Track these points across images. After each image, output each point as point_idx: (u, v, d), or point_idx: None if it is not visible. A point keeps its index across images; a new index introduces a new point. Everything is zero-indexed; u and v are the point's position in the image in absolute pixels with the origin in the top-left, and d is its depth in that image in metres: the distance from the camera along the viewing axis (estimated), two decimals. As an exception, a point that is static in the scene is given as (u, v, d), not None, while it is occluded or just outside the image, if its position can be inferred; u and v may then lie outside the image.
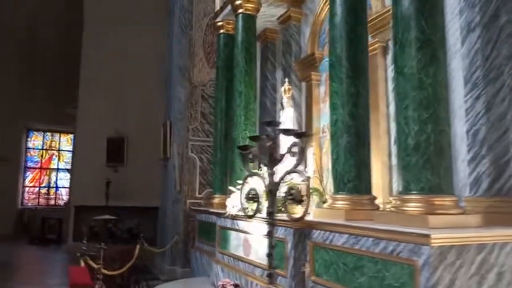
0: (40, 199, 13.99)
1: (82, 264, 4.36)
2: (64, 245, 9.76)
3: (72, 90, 10.43)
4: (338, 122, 2.97)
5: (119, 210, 8.41)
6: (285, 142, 3.02)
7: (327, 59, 3.74)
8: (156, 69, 9.06)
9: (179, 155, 6.82)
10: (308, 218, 2.72)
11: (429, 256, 1.93)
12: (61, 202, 13.99)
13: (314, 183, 3.86)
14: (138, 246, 5.09)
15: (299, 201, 2.13)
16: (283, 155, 2.19)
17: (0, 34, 11.93)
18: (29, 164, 14.08)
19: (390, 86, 3.45)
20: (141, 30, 9.47)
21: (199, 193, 6.76)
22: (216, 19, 5.69)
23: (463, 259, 2.00)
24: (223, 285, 3.65)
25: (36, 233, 10.86)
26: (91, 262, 4.33)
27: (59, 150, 14.60)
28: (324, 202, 3.24)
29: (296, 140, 2.16)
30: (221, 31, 5.57)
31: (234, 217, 3.95)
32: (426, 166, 2.28)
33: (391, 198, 3.11)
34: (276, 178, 2.27)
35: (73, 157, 12.16)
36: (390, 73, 3.43)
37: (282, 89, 4.34)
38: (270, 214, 2.23)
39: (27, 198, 13.81)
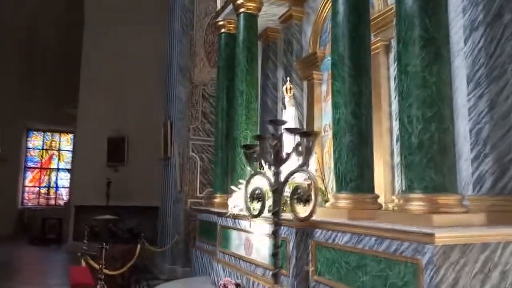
0: (40, 199, 13.99)
1: (83, 264, 4.34)
2: (64, 245, 9.75)
3: (72, 90, 10.42)
4: (340, 121, 2.96)
5: (119, 209, 8.38)
6: (287, 141, 3.00)
7: (329, 58, 3.74)
8: (156, 69, 9.05)
9: (180, 155, 6.81)
10: (303, 216, 2.71)
11: (433, 255, 1.92)
12: (61, 202, 13.98)
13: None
14: (139, 246, 5.08)
15: (305, 201, 2.11)
16: (289, 154, 2.18)
17: (0, 34, 11.92)
18: (29, 164, 14.07)
19: (393, 84, 3.44)
20: (141, 30, 9.46)
21: (200, 193, 6.75)
22: (217, 18, 5.68)
23: (467, 257, 1.99)
24: (224, 284, 3.64)
25: (36, 233, 10.84)
26: (92, 262, 4.32)
27: (59, 150, 14.60)
28: (326, 201, 3.23)
29: (302, 139, 2.15)
30: (222, 30, 5.57)
31: (235, 217, 3.94)
32: (429, 165, 2.27)
33: (394, 197, 3.10)
34: (281, 178, 2.25)
35: (73, 157, 12.16)
36: (393, 72, 3.42)
37: (284, 88, 4.34)
38: (276, 213, 2.22)
39: (27, 198, 13.80)
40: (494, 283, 2.05)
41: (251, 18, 4.97)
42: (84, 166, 9.68)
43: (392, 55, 3.50)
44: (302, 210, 2.22)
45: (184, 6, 7.20)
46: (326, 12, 4.56)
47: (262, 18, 5.18)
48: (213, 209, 5.09)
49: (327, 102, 4.39)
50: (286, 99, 4.23)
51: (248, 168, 4.34)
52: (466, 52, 2.79)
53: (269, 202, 2.50)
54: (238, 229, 3.96)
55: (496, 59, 2.62)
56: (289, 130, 2.36)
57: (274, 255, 2.22)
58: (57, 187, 14.39)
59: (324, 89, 4.59)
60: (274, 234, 2.24)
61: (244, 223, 3.81)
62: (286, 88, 4.27)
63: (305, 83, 4.90)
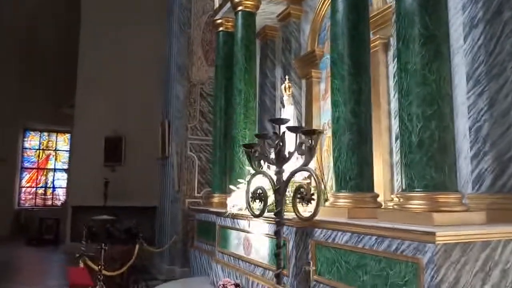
0: (37, 200, 13.91)
1: (81, 265, 4.31)
2: (62, 246, 9.71)
3: (72, 90, 10.37)
4: (340, 119, 2.95)
5: (116, 210, 8.34)
6: (287, 140, 2.98)
7: (328, 56, 3.72)
8: (154, 68, 9.01)
9: (178, 154, 6.78)
10: (306, 216, 2.69)
11: (434, 254, 1.91)
12: (58, 203, 13.92)
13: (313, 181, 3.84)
14: (137, 246, 5.05)
15: (308, 200, 2.09)
16: (292, 153, 2.15)
17: (0, 34, 11.84)
18: (26, 164, 13.99)
19: (392, 83, 3.43)
20: (140, 30, 9.42)
21: (198, 192, 6.73)
22: (215, 16, 5.65)
23: (468, 256, 1.98)
24: (223, 284, 3.62)
25: (33, 234, 10.78)
26: (90, 263, 4.29)
27: (56, 150, 14.52)
28: (326, 200, 3.21)
29: (305, 138, 2.12)
30: (220, 28, 5.54)
31: (234, 216, 3.92)
32: (430, 163, 2.26)
33: (393, 196, 3.10)
34: (283, 177, 2.23)
35: (70, 157, 12.10)
36: (392, 70, 3.41)
37: (283, 87, 4.31)
38: (278, 213, 2.19)
39: (24, 198, 13.72)
40: (495, 282, 2.04)
41: (249, 16, 4.94)
42: (81, 166, 9.63)
43: (391, 53, 3.48)
44: (304, 210, 2.20)
45: (181, 4, 7.16)
46: (324, 10, 4.55)
47: (260, 16, 5.16)
48: (211, 209, 5.07)
49: (326, 101, 4.38)
50: (285, 98, 4.22)
51: (247, 168, 4.32)
52: (466, 50, 2.79)
53: (269, 202, 2.48)
54: (237, 229, 3.94)
55: (496, 56, 2.62)
56: (292, 129, 2.33)
57: (276, 255, 2.20)
58: (54, 187, 14.32)
59: (322, 88, 4.57)
60: (277, 234, 2.22)
61: (243, 223, 3.79)
62: (285, 87, 4.25)
63: (303, 82, 4.88)
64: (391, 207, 2.72)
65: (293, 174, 2.17)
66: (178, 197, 6.68)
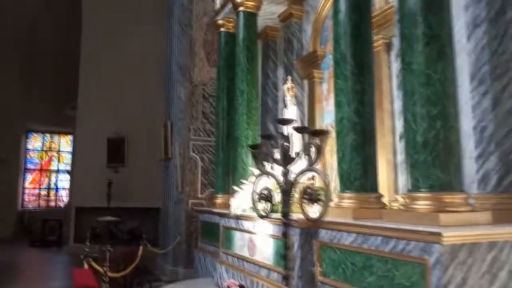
0: (40, 201, 13.95)
1: (86, 266, 4.32)
2: (65, 247, 9.73)
3: (72, 91, 10.39)
4: (343, 120, 2.94)
5: (120, 211, 8.39)
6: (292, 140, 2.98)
7: (330, 56, 3.72)
8: (156, 69, 9.02)
9: (181, 155, 6.78)
10: (314, 217, 2.69)
11: (440, 255, 1.91)
12: (61, 204, 13.96)
13: (318, 182, 3.84)
14: (141, 248, 5.06)
15: (315, 201, 2.08)
16: (299, 153, 2.15)
17: (1, 34, 11.86)
18: (29, 165, 14.03)
19: (395, 83, 3.42)
20: (141, 30, 9.42)
21: (201, 193, 6.73)
22: (216, 17, 5.65)
23: (475, 257, 1.98)
24: (228, 286, 3.63)
25: (36, 235, 10.82)
26: (94, 264, 4.30)
27: (58, 152, 14.56)
28: (330, 200, 3.20)
29: (313, 138, 2.11)
30: (222, 29, 5.53)
31: (238, 217, 3.92)
32: (435, 164, 2.25)
33: (398, 196, 3.09)
34: (290, 177, 2.22)
35: (73, 158, 12.13)
36: (394, 70, 3.40)
37: (285, 87, 4.31)
38: (286, 214, 2.19)
39: (27, 200, 13.77)
40: (502, 282, 2.03)
41: (250, 17, 4.94)
42: (84, 168, 9.66)
43: (393, 53, 3.47)
44: (311, 211, 2.19)
45: (182, 5, 7.16)
46: (326, 10, 4.53)
47: (261, 17, 5.15)
48: (215, 210, 5.07)
49: (328, 101, 4.37)
50: (288, 98, 4.21)
51: (251, 168, 4.32)
52: (469, 49, 2.77)
53: (274, 202, 2.47)
54: (241, 230, 3.94)
55: (499, 56, 2.60)
56: (299, 129, 2.31)
57: (284, 257, 2.19)
58: (56, 188, 14.36)
59: (325, 88, 4.56)
60: (284, 235, 2.21)
61: (247, 224, 3.79)
62: (288, 87, 4.25)
63: (305, 82, 4.87)
64: (395, 208, 2.72)
65: (299, 174, 2.16)
66: (182, 198, 6.69)
